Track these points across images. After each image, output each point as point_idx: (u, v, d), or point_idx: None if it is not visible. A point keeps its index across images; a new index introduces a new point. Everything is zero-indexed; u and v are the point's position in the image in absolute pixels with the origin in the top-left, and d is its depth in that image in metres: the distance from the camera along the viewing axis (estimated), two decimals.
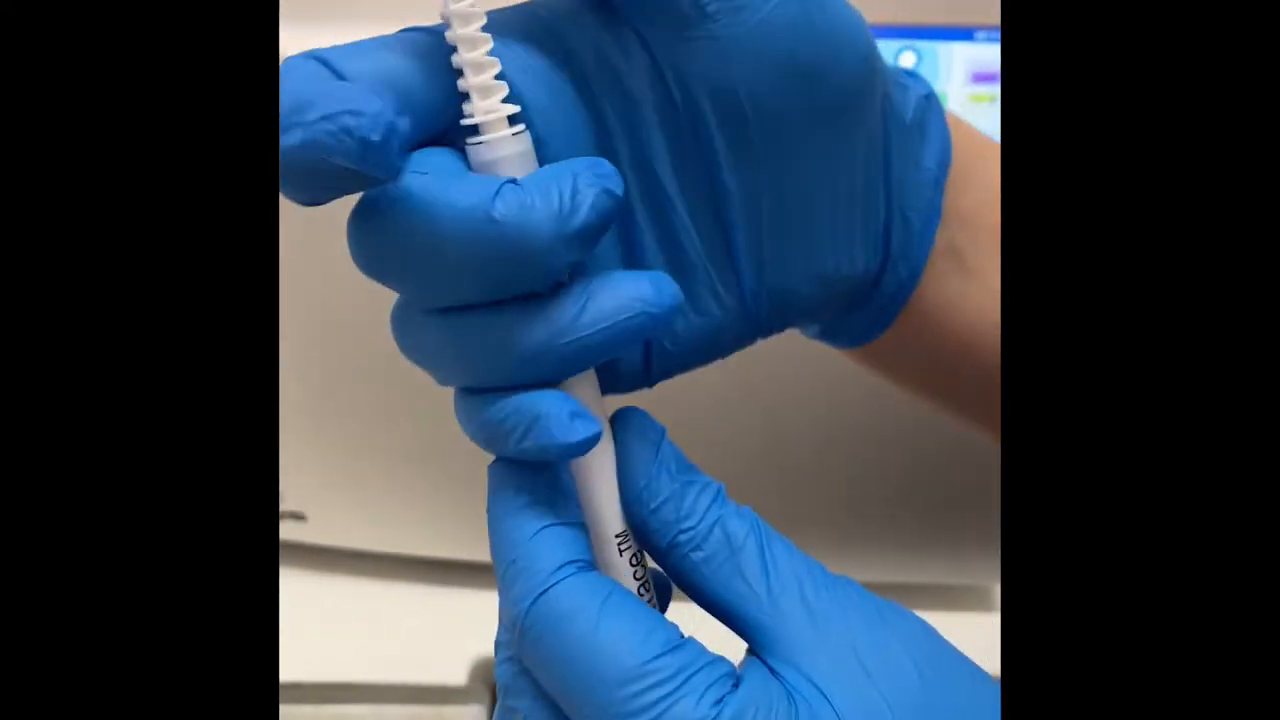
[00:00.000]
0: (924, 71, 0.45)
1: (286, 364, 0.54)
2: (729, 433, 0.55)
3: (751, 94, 0.26)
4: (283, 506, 0.60)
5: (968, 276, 0.31)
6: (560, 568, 0.24)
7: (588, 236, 0.24)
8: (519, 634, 0.24)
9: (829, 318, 0.31)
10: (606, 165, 0.24)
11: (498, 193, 0.23)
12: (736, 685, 0.23)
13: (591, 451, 0.26)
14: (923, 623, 0.26)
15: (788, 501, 0.57)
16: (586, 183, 0.23)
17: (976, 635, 0.55)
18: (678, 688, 0.23)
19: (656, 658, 0.23)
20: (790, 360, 0.51)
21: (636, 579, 0.27)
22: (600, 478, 0.26)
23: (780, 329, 0.30)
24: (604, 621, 0.23)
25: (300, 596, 0.62)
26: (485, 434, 0.25)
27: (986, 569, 0.59)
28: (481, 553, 0.67)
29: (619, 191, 0.24)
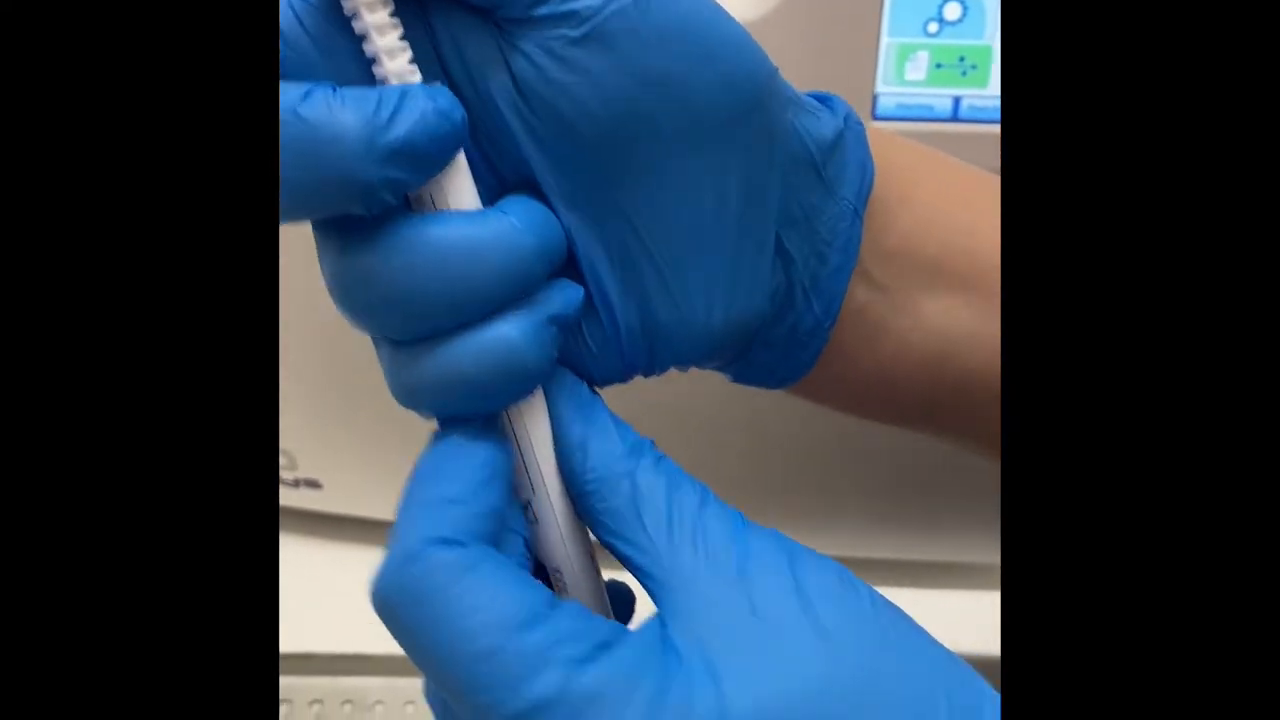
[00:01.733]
0: (969, 22, 0.43)
1: (305, 330, 0.54)
2: (729, 406, 0.54)
3: (586, 108, 0.24)
4: (298, 474, 0.60)
5: (893, 309, 0.29)
6: (432, 540, 0.23)
7: (408, 155, 0.22)
8: (377, 606, 0.24)
9: (725, 361, 0.29)
10: (446, 93, 0.23)
11: (307, 94, 0.22)
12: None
13: (528, 403, 0.26)
14: (842, 572, 0.25)
15: (790, 477, 0.57)
16: (415, 99, 0.22)
17: (987, 614, 0.54)
18: (538, 660, 0.22)
19: (517, 630, 0.22)
20: None
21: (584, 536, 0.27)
22: (539, 428, 0.26)
23: (661, 369, 0.28)
24: (463, 597, 0.23)
25: (314, 565, 0.62)
26: (442, 382, 0.25)
27: (991, 546, 0.58)
28: None
29: (456, 117, 0.23)
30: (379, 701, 0.54)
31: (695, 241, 0.26)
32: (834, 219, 0.28)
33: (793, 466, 0.56)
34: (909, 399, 0.31)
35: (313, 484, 0.61)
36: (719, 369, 0.30)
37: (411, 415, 0.64)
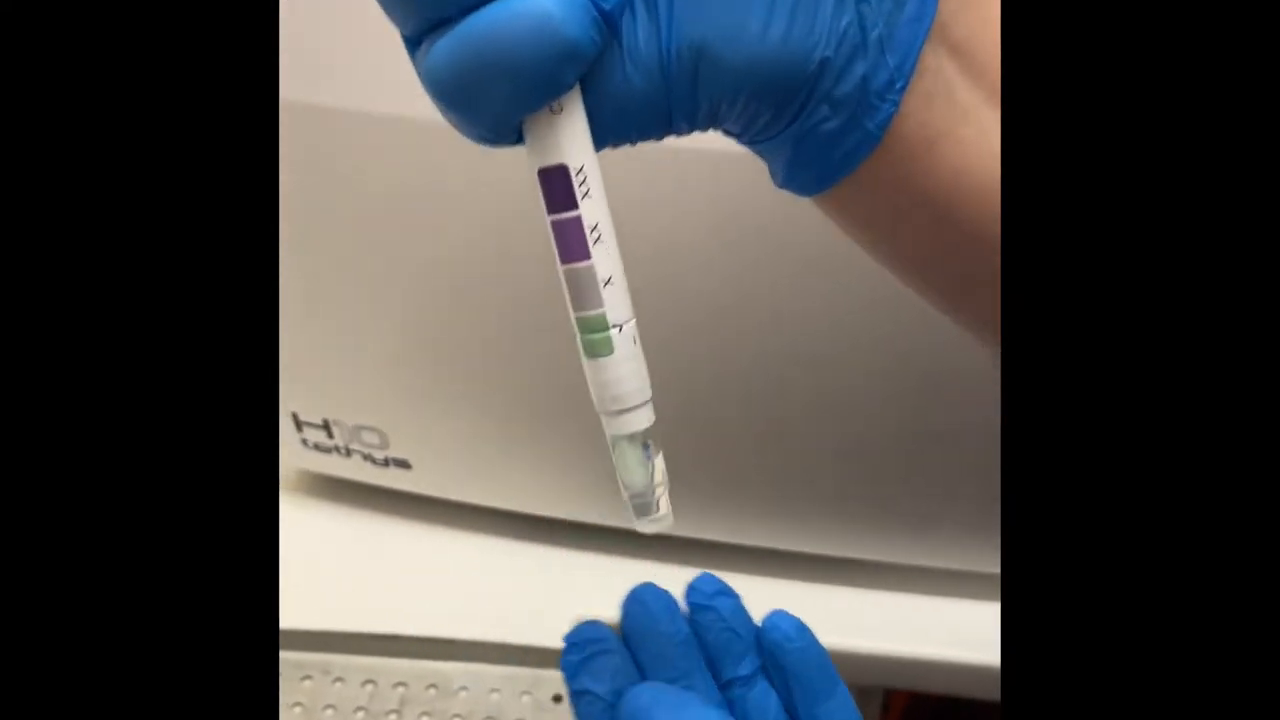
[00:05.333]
0: None
1: (400, 310, 0.55)
2: (739, 410, 0.54)
3: None
4: (388, 453, 0.61)
5: (958, 113, 0.28)
6: None
7: None
8: None
9: (776, 111, 0.27)
10: None
11: None
12: None
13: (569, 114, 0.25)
14: None
15: (800, 480, 0.57)
16: None
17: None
18: None
19: None
20: (807, 332, 0.51)
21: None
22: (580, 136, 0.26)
23: (705, 105, 0.26)
24: None
25: (401, 546, 0.64)
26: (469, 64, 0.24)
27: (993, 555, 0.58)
28: (587, 514, 0.67)
29: None
30: (463, 687, 0.55)
31: None
32: None
33: (799, 468, 0.56)
34: (955, 238, 0.29)
35: (402, 464, 0.62)
36: (770, 142, 0.29)
37: (505, 401, 0.65)
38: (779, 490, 0.58)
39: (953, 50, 0.28)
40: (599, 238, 0.26)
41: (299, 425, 0.61)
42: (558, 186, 0.26)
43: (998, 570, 0.64)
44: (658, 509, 0.30)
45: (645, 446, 0.29)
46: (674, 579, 0.60)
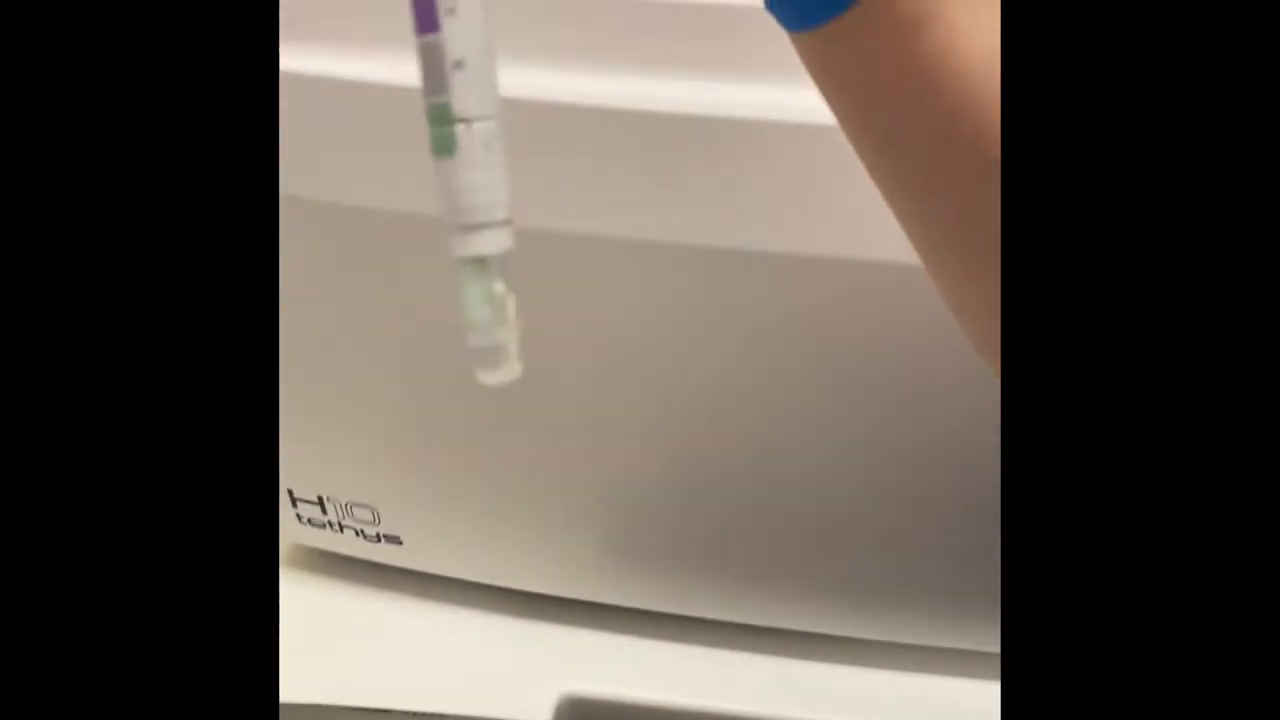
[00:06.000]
0: None
1: (392, 387, 0.56)
2: (727, 487, 0.55)
3: None
4: (379, 529, 0.62)
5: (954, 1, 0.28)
6: None
7: None
8: None
9: None
10: None
11: None
12: None
13: None
14: None
15: (787, 557, 0.57)
16: None
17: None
18: None
19: None
20: (790, 412, 0.52)
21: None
22: None
23: None
24: None
25: (393, 620, 0.64)
26: None
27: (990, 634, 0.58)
28: (577, 590, 0.67)
29: None
30: None
31: None
32: None
33: (786, 545, 0.57)
34: (928, 123, 0.29)
35: (394, 540, 0.63)
36: None
37: (494, 478, 0.65)
38: (766, 567, 0.59)
39: None
40: (453, 8, 0.22)
41: (294, 501, 0.63)
42: None
43: (997, 649, 0.64)
44: (504, 359, 0.26)
45: (496, 281, 0.24)
46: (667, 655, 0.60)
